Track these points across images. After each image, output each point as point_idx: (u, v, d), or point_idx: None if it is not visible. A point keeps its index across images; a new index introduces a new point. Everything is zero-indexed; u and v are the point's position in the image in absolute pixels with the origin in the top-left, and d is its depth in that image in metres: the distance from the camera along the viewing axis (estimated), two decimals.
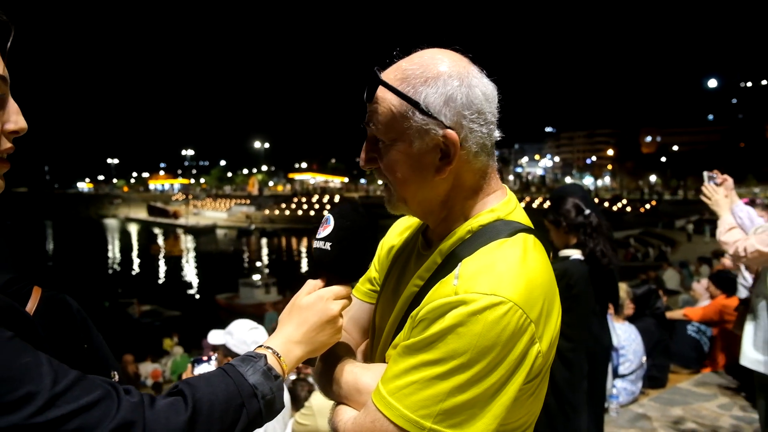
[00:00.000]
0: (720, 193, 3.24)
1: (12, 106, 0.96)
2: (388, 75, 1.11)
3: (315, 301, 1.15)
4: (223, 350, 3.09)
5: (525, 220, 1.17)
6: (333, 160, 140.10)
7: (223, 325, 3.39)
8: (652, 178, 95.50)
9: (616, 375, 5.13)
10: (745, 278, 4.49)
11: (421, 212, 1.19)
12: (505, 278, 1.01)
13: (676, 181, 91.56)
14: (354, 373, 1.16)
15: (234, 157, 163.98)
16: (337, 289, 1.18)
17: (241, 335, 3.05)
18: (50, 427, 0.80)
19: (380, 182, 1.21)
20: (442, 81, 1.07)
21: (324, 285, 1.19)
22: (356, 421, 1.06)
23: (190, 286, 39.69)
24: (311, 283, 1.19)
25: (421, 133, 1.07)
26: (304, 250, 60.87)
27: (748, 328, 3.29)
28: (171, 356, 15.53)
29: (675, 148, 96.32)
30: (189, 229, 77.51)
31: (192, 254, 57.51)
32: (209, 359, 3.10)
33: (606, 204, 68.08)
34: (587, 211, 3.23)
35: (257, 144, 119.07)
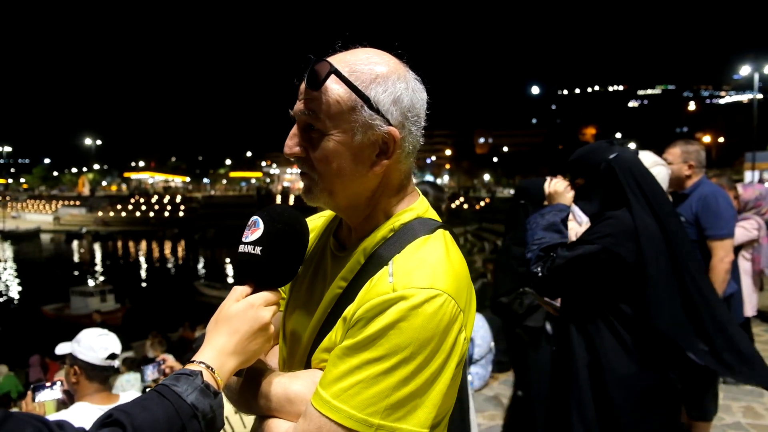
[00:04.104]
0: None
1: None
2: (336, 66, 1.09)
3: (245, 309, 1.09)
4: (70, 359, 2.95)
5: (437, 217, 1.24)
6: (173, 159, 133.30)
7: (52, 338, 3.21)
8: (486, 176, 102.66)
9: (471, 362, 5.55)
10: None
11: (345, 206, 1.18)
12: (438, 272, 1.06)
13: (506, 179, 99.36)
14: (282, 383, 1.13)
15: (60, 155, 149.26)
16: (267, 295, 1.13)
17: (89, 341, 2.93)
18: None
19: (296, 170, 1.20)
20: (391, 81, 1.10)
21: (252, 291, 1.14)
22: (298, 431, 1.04)
23: (10, 297, 35.70)
24: (238, 290, 1.14)
25: (365, 127, 1.09)
26: (143, 253, 57.39)
27: None
28: None
29: (505, 149, 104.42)
30: (7, 235, 69.42)
31: (11, 262, 51.62)
32: (53, 384, 2.90)
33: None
34: None
35: (87, 140, 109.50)
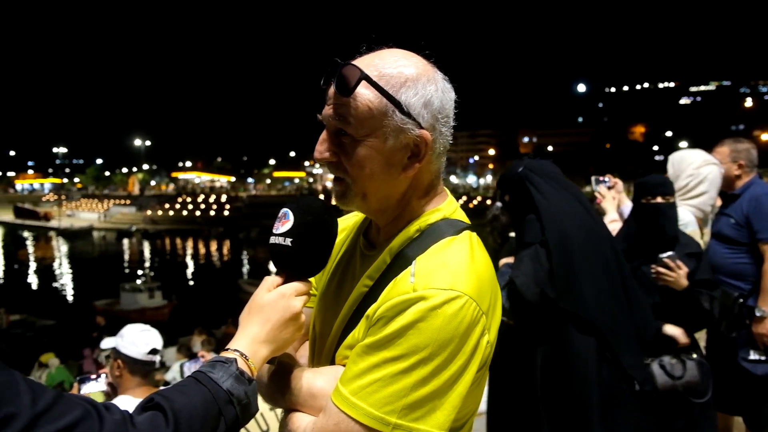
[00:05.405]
0: (609, 194, 3.62)
1: None
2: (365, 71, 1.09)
3: (276, 299, 1.11)
4: (114, 353, 3.05)
5: (465, 218, 1.23)
6: (219, 159, 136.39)
7: (102, 331, 3.33)
8: None
9: None
10: None
11: (377, 209, 1.19)
12: (460, 273, 1.05)
13: None
14: (306, 378, 1.15)
15: (112, 155, 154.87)
16: (298, 286, 1.15)
17: (132, 336, 3.03)
18: None
19: (329, 175, 1.20)
20: (421, 84, 1.10)
21: (283, 281, 1.15)
22: (317, 426, 1.05)
23: (64, 292, 37.13)
24: (270, 280, 1.15)
25: (397, 131, 1.09)
26: (189, 251, 58.75)
27: None
28: (46, 369, 14.42)
29: (550, 148, 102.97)
30: (62, 232, 72.29)
31: (66, 258, 53.68)
32: (98, 377, 2.98)
33: (488, 202, 71.37)
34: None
35: (137, 141, 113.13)
